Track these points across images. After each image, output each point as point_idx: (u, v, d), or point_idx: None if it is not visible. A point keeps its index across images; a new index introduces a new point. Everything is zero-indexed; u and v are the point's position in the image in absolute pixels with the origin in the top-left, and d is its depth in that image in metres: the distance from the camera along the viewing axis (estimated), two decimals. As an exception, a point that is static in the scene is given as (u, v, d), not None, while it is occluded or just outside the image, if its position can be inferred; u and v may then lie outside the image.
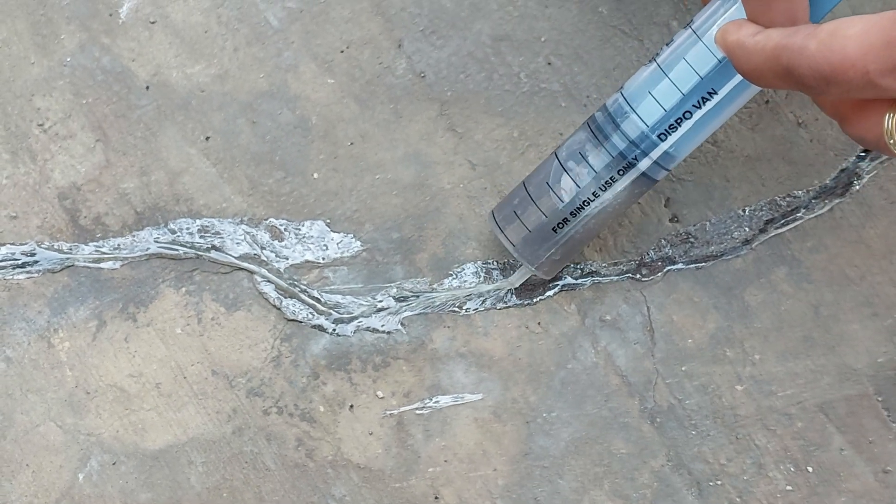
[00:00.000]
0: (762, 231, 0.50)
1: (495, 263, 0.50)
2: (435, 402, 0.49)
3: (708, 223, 0.50)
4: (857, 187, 0.50)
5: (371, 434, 0.48)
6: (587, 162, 0.44)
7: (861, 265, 0.50)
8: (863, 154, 0.51)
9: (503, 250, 0.50)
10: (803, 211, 0.50)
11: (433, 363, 0.49)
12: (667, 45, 0.43)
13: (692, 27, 0.42)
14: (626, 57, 0.52)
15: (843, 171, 0.51)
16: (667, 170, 0.44)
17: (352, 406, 0.49)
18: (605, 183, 0.44)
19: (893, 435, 0.48)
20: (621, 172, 0.43)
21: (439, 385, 0.49)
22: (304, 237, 0.50)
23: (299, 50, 0.51)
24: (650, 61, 0.43)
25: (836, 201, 0.50)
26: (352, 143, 0.51)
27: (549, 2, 0.52)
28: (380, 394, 0.49)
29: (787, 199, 0.50)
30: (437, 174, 0.51)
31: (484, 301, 0.50)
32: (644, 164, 0.43)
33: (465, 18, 0.52)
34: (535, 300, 0.50)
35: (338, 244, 0.50)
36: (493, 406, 0.49)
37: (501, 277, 0.50)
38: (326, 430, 0.48)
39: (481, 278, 0.50)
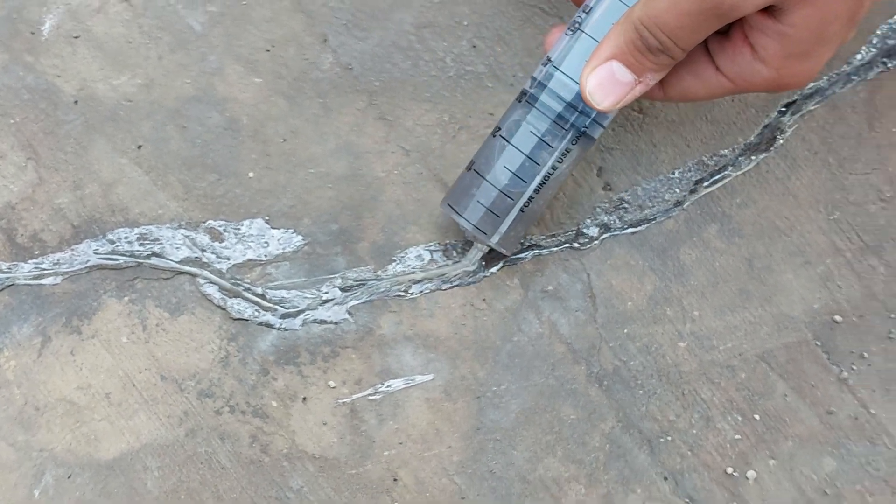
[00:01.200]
0: (692, 191, 0.54)
1: (437, 245, 0.53)
2: (386, 387, 0.52)
3: (639, 188, 0.54)
4: (781, 141, 0.54)
5: (325, 424, 0.51)
6: (537, 137, 0.46)
7: (790, 216, 0.54)
8: (783, 109, 0.55)
9: (444, 231, 0.53)
10: (730, 168, 0.54)
11: (381, 349, 0.52)
12: (583, 10, 0.45)
13: None
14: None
15: (766, 126, 0.55)
16: (602, 126, 0.46)
17: (304, 398, 0.52)
18: (562, 154, 0.46)
19: (834, 377, 0.52)
20: (567, 138, 0.46)
21: (389, 369, 0.52)
22: (244, 236, 0.53)
23: (223, 53, 0.55)
24: (568, 29, 0.46)
25: (762, 156, 0.54)
26: (283, 140, 0.54)
27: (467, -14, 0.56)
28: (331, 384, 0.52)
29: (714, 158, 0.54)
30: (371, 163, 0.54)
31: (428, 283, 0.53)
32: (585, 124, 0.46)
33: (387, 9, 0.55)
34: (478, 278, 0.53)
35: (278, 240, 0.53)
36: (442, 385, 0.52)
37: (444, 259, 0.53)
38: (279, 424, 0.51)
39: (426, 261, 0.53)
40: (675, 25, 0.39)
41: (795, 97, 0.54)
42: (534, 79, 0.46)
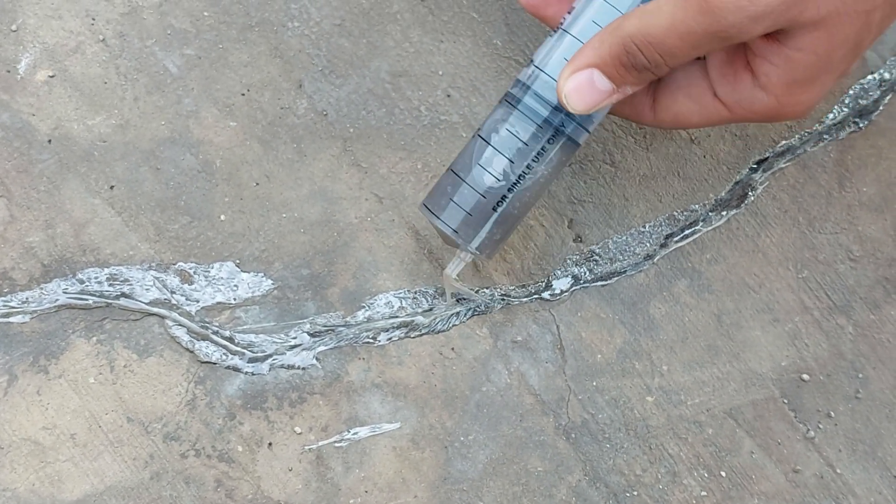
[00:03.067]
0: (662, 245, 0.59)
1: (407, 292, 0.58)
2: (353, 434, 0.56)
3: (610, 241, 0.59)
4: (752, 198, 0.60)
5: (290, 470, 0.56)
6: (514, 135, 0.48)
7: (759, 273, 0.59)
8: (754, 166, 0.61)
9: (416, 279, 0.58)
10: (701, 224, 0.60)
11: (349, 395, 0.57)
12: (568, 13, 0.48)
13: None
14: (523, 86, 0.61)
15: (737, 183, 0.60)
16: (587, 131, 0.48)
17: (270, 444, 0.56)
18: (537, 154, 0.48)
19: (801, 435, 0.57)
20: (550, 141, 0.48)
21: (356, 417, 0.57)
22: (213, 279, 0.58)
23: (200, 95, 0.60)
24: (553, 31, 0.48)
25: (732, 213, 0.60)
26: (257, 184, 0.59)
27: (444, 37, 0.61)
28: (297, 430, 0.56)
29: (685, 213, 0.60)
30: (344, 209, 0.59)
31: (397, 330, 0.58)
32: (569, 128, 0.48)
33: (363, 57, 0.61)
34: (448, 327, 0.58)
35: (248, 284, 0.58)
36: (410, 434, 0.57)
37: (414, 307, 0.58)
38: (245, 469, 0.56)
39: (395, 308, 0.58)
40: (673, 45, 0.41)
41: (767, 154, 0.59)
42: (518, 81, 0.49)
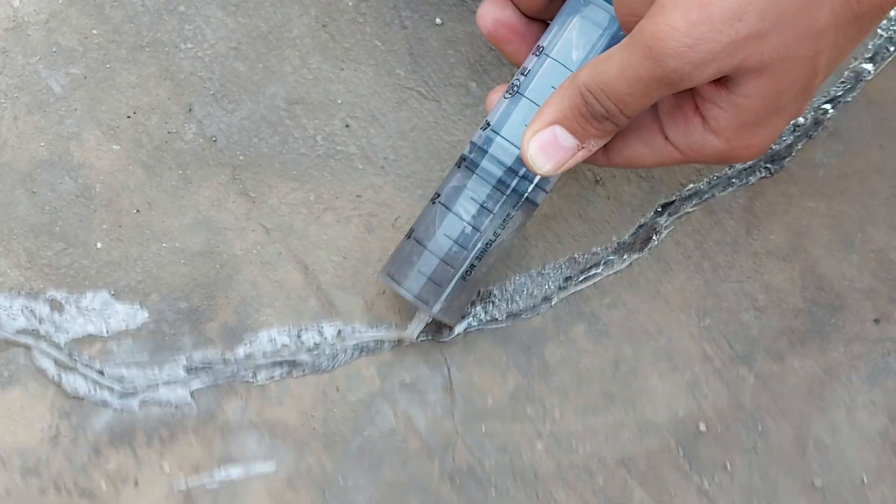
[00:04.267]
0: (561, 288, 0.61)
1: (291, 329, 0.59)
2: (225, 475, 0.57)
3: (508, 281, 0.61)
4: (655, 242, 0.62)
5: (156, 512, 0.56)
6: (477, 202, 0.50)
7: (659, 320, 0.61)
8: (660, 210, 0.63)
9: (301, 315, 0.59)
10: (602, 267, 0.61)
11: (224, 434, 0.58)
12: (521, 73, 0.50)
13: (542, 51, 0.49)
14: (423, 118, 0.62)
15: (640, 226, 0.62)
16: (545, 191, 0.50)
17: (136, 482, 0.57)
18: (503, 221, 0.50)
19: (695, 488, 0.59)
20: (514, 206, 0.50)
21: (230, 457, 0.57)
22: (85, 309, 0.58)
23: (83, 117, 0.61)
24: (507, 92, 0.50)
25: (635, 257, 0.61)
26: (137, 211, 0.60)
27: (345, 65, 0.63)
28: (166, 468, 0.57)
29: (586, 255, 0.61)
30: (229, 241, 0.60)
31: (279, 368, 0.59)
32: (529, 190, 0.50)
33: (259, 82, 0.62)
34: (333, 366, 0.59)
35: (122, 315, 0.59)
36: (286, 476, 0.57)
37: (298, 345, 0.59)
38: (108, 509, 0.56)
39: (278, 345, 0.59)
40: (624, 92, 0.42)
41: (673, 198, 0.61)
42: (473, 143, 0.50)
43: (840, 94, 0.59)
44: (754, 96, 0.43)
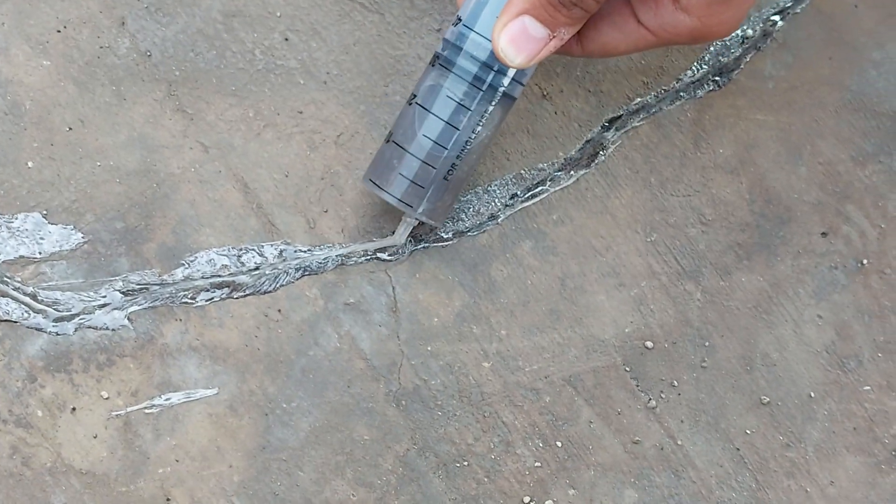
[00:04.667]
0: (507, 205, 0.56)
1: (231, 249, 0.54)
2: (165, 400, 0.52)
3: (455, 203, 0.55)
4: (603, 158, 0.56)
5: (95, 437, 0.51)
6: (455, 100, 0.47)
7: (606, 236, 0.56)
8: (607, 124, 0.57)
9: (242, 235, 0.54)
10: (549, 183, 0.56)
11: (163, 359, 0.52)
12: None
13: None
14: (366, 31, 0.56)
15: (588, 141, 0.57)
16: (522, 84, 0.48)
17: (73, 409, 0.51)
18: (482, 117, 0.48)
19: (642, 405, 0.54)
20: (491, 101, 0.47)
21: (170, 382, 0.52)
22: (17, 231, 0.52)
23: (10, 31, 0.54)
24: None
25: (582, 172, 0.56)
26: (70, 129, 0.54)
27: (284, -24, 0.56)
28: (104, 394, 0.52)
29: (533, 172, 0.56)
30: (166, 158, 0.54)
31: (219, 290, 0.53)
32: (506, 84, 0.47)
33: (194, -6, 0.56)
34: (275, 287, 0.54)
35: (56, 237, 0.53)
36: (228, 400, 0.52)
37: (239, 266, 0.53)
38: (45, 435, 0.51)
39: (217, 266, 0.53)
40: None
41: (621, 112, 0.56)
42: (445, 40, 0.47)
43: (789, 5, 0.54)
44: None
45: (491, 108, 0.48)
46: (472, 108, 0.47)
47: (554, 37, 0.43)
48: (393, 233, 0.52)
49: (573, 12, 0.42)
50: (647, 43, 0.45)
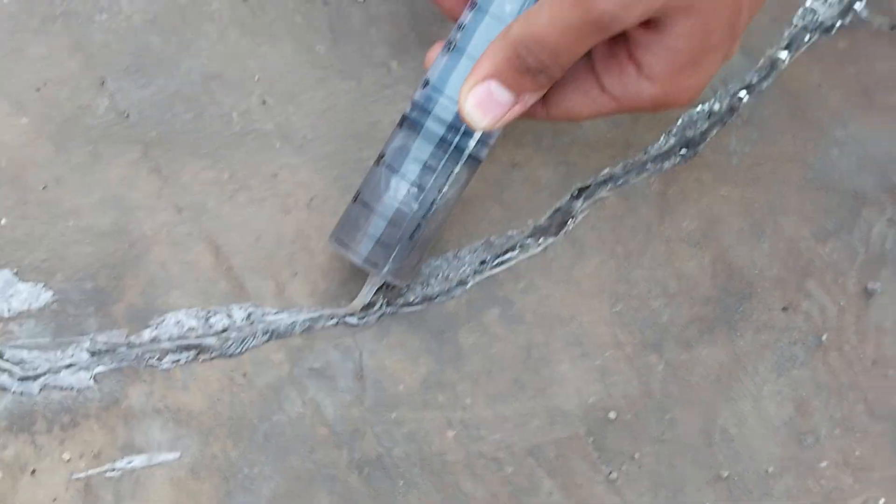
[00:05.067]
0: (476, 272, 0.52)
1: (200, 311, 0.50)
2: (127, 463, 0.48)
3: (423, 265, 0.52)
4: (571, 227, 0.53)
5: (55, 500, 0.48)
6: (422, 162, 0.46)
7: (572, 305, 0.52)
8: (576, 194, 0.54)
9: (211, 298, 0.50)
10: (517, 250, 0.53)
11: (127, 421, 0.49)
12: (457, 28, 0.45)
13: (476, 5, 0.44)
14: (342, 97, 0.53)
15: (557, 210, 0.54)
16: (488, 145, 0.47)
17: (34, 470, 0.48)
18: (449, 178, 0.46)
19: (603, 477, 0.51)
20: (458, 163, 0.46)
21: (133, 444, 0.48)
22: (-14, 288, 0.49)
23: (-12, 89, 0.51)
24: (445, 48, 0.46)
25: (550, 241, 0.53)
26: (44, 188, 0.50)
27: (262, 40, 0.53)
28: (66, 456, 0.48)
29: (501, 239, 0.53)
30: (139, 219, 0.51)
31: (185, 352, 0.50)
32: (473, 146, 0.46)
33: (173, 56, 0.53)
34: (241, 350, 0.50)
35: (25, 295, 0.49)
36: (190, 464, 0.49)
37: (206, 329, 0.50)
38: (3, 498, 0.47)
39: (185, 328, 0.50)
40: (556, 42, 0.40)
41: (589, 182, 0.53)
42: (414, 102, 0.46)
43: (755, 81, 0.52)
44: (684, 36, 0.40)
45: (457, 169, 0.46)
46: (438, 169, 0.46)
47: (518, 102, 0.42)
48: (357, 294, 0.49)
49: (539, 79, 0.41)
50: (611, 109, 0.44)
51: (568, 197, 0.54)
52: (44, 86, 0.52)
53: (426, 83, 0.46)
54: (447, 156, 0.46)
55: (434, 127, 0.46)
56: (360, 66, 0.54)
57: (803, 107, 0.56)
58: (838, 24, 0.57)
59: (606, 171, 0.54)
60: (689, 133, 0.55)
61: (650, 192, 0.54)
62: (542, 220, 0.54)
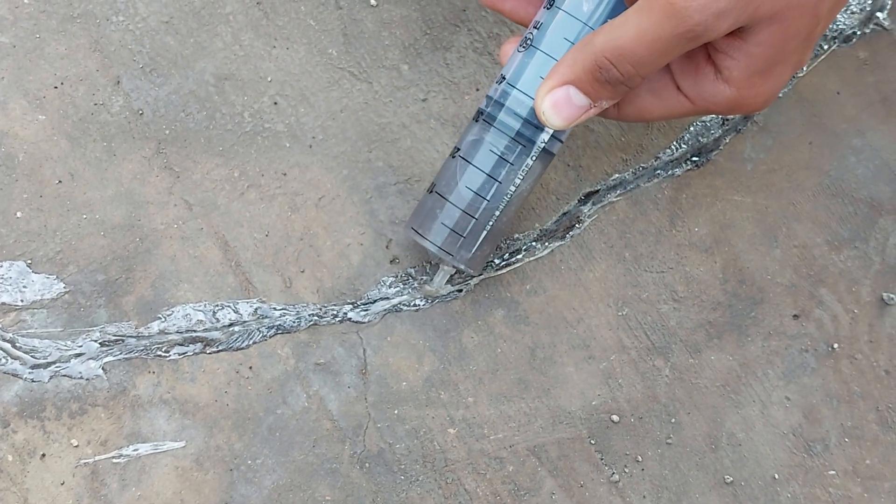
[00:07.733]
0: (481, 273, 0.57)
1: (207, 304, 0.56)
2: (133, 451, 0.54)
3: (428, 265, 0.57)
4: (578, 231, 0.58)
5: (62, 484, 0.53)
6: (497, 154, 0.50)
7: (578, 308, 0.57)
8: (584, 198, 0.59)
9: (219, 292, 0.56)
10: (524, 253, 0.58)
11: (134, 410, 0.54)
12: (534, 27, 0.49)
13: (553, 3, 0.48)
14: (354, 99, 0.59)
15: (564, 214, 0.59)
16: (561, 141, 0.51)
17: (43, 455, 0.53)
18: (522, 170, 0.50)
19: (605, 479, 0.55)
20: (532, 156, 0.50)
21: (139, 433, 0.54)
22: (1, 278, 0.55)
23: (9, 86, 0.57)
24: (521, 45, 0.50)
25: (557, 244, 0.58)
26: (59, 182, 0.56)
27: (277, 42, 0.59)
28: (74, 442, 0.53)
29: (508, 241, 0.58)
30: (150, 214, 0.57)
31: (193, 345, 0.55)
32: (546, 141, 0.50)
33: (189, 57, 0.59)
34: (248, 344, 0.56)
35: (38, 286, 0.55)
36: (195, 454, 0.54)
37: (213, 322, 0.56)
38: (13, 480, 0.53)
39: (193, 321, 0.56)
40: (643, 55, 0.43)
41: (598, 187, 0.58)
42: (489, 97, 0.50)
43: (770, 89, 0.55)
44: (765, 44, 0.44)
45: (531, 162, 0.50)
46: (512, 162, 0.50)
47: (594, 106, 0.46)
48: (432, 279, 0.55)
49: (618, 88, 0.45)
50: (684, 110, 0.47)
51: (576, 201, 0.59)
52: (61, 84, 0.58)
53: (502, 79, 0.50)
54: (521, 148, 0.50)
55: (508, 121, 0.50)
56: (373, 69, 0.60)
57: (819, 114, 0.60)
58: (858, 33, 0.62)
59: (617, 176, 0.59)
60: (703, 140, 0.60)
61: (661, 198, 0.59)
62: (550, 223, 0.59)
